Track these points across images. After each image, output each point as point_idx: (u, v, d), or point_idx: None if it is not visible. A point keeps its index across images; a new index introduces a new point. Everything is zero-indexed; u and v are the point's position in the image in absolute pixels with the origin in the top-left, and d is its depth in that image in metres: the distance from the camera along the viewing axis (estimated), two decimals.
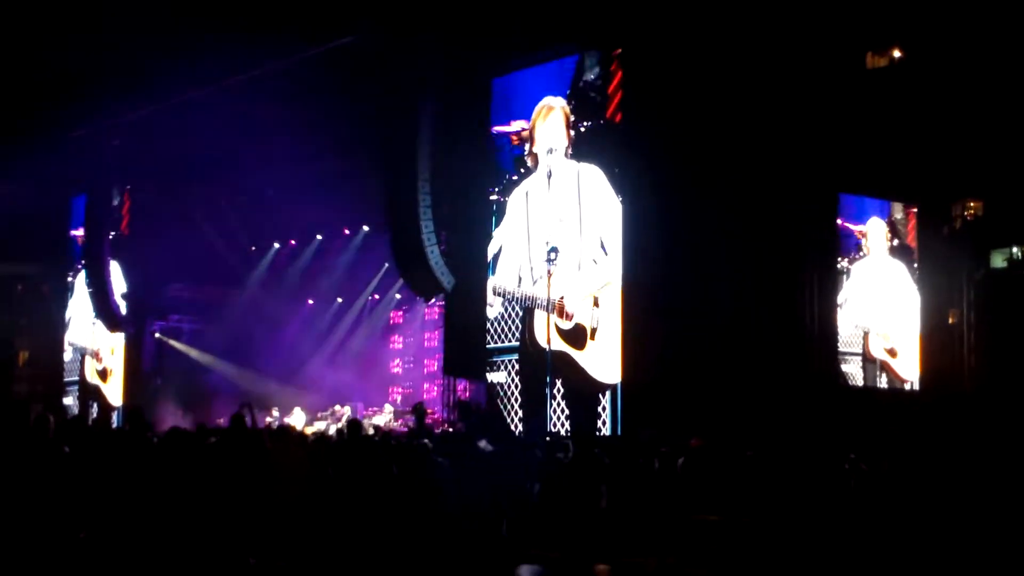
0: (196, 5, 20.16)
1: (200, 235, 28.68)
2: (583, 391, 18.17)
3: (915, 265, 21.67)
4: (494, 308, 19.80)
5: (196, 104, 23.49)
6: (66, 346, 30.08)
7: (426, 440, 12.73)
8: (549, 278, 17.87)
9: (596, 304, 18.14)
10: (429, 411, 23.07)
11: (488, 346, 19.79)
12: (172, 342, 29.36)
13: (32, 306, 31.56)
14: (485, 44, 19.61)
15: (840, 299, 20.05)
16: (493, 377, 19.70)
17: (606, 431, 17.68)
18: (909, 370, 21.18)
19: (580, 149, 18.70)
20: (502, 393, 19.45)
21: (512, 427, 18.86)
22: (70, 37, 21.72)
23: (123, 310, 27.86)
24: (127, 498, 9.68)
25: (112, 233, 27.88)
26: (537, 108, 19.39)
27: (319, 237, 28.95)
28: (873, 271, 21.03)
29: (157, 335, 29.21)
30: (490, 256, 20.03)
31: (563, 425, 18.17)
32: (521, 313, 19.30)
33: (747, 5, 17.69)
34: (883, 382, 20.80)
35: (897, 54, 20.24)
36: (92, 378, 28.99)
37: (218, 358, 28.68)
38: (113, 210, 28.09)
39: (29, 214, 29.08)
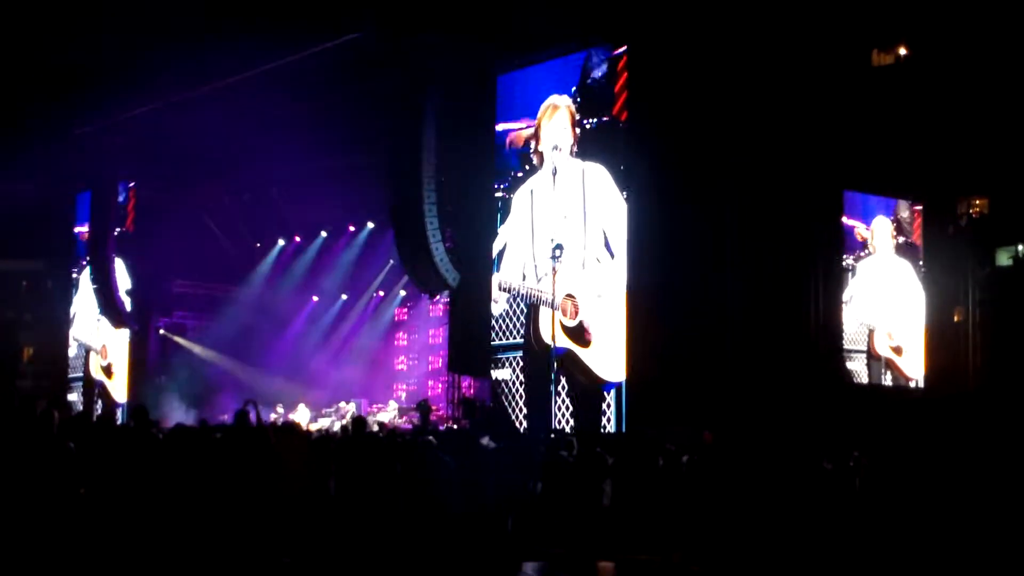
0: (202, 2, 20.17)
1: (205, 232, 28.72)
2: (587, 388, 18.17)
3: (920, 263, 21.65)
4: (499, 304, 19.79)
5: (201, 101, 23.51)
6: (71, 342, 30.13)
7: (431, 437, 12.73)
8: (554, 275, 17.86)
9: (601, 301, 18.12)
10: (434, 408, 23.10)
11: (493, 343, 19.78)
12: (177, 338, 29.38)
13: (36, 303, 31.60)
14: (491, 42, 19.59)
15: (845, 296, 20.04)
16: (497, 374, 19.69)
17: (611, 428, 17.68)
18: (914, 368, 21.16)
19: (585, 147, 18.68)
20: (506, 390, 19.44)
21: (517, 424, 18.87)
22: (76, 34, 21.74)
23: (128, 307, 27.89)
24: (132, 494, 9.69)
25: (117, 230, 27.92)
26: (543, 106, 19.37)
27: (324, 234, 28.96)
28: (878, 269, 21.01)
29: (162, 331, 29.23)
30: (495, 253, 20.02)
31: (567, 422, 18.17)
32: (526, 310, 19.29)
33: (753, 3, 17.66)
34: (888, 379, 20.78)
35: (903, 52, 20.21)
36: (96, 374, 29.03)
37: (222, 354, 28.70)
38: (118, 207, 28.13)
39: (34, 210, 29.13)
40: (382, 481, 11.18)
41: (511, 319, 19.56)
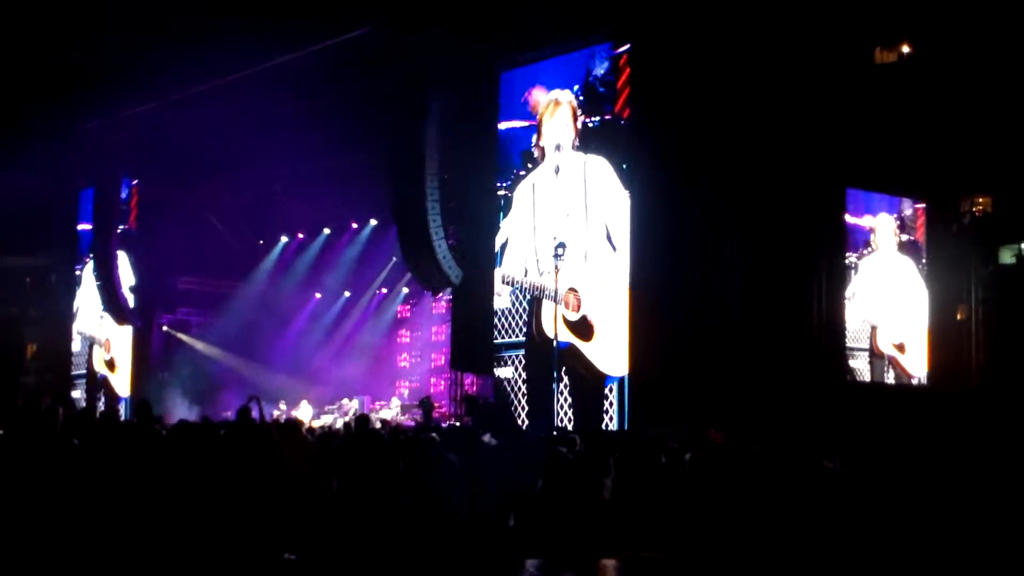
0: (204, 0, 20.19)
1: (208, 228, 28.78)
2: (590, 383, 18.17)
3: (923, 261, 21.63)
4: (502, 299, 19.80)
5: (204, 98, 23.55)
6: (74, 335, 30.17)
7: (434, 434, 12.74)
8: (557, 273, 17.86)
9: (604, 292, 18.13)
10: (436, 405, 23.12)
11: (495, 341, 19.79)
12: (180, 335, 29.43)
13: (40, 299, 31.64)
14: (493, 39, 19.59)
15: (848, 294, 20.02)
16: (500, 372, 19.70)
17: (612, 424, 17.69)
18: (917, 365, 21.15)
19: (588, 143, 18.69)
20: (509, 388, 19.46)
21: (519, 421, 18.87)
22: (79, 30, 21.75)
23: (131, 303, 27.93)
24: (135, 491, 9.71)
25: (121, 226, 27.95)
26: (545, 102, 19.38)
27: (327, 231, 29.00)
28: (881, 266, 21.00)
29: (165, 328, 29.28)
30: (497, 248, 20.04)
31: (570, 420, 18.18)
32: (528, 307, 19.30)
33: (755, 1, 17.64)
34: (891, 377, 20.76)
35: (906, 49, 20.18)
36: (100, 368, 29.05)
37: (225, 351, 28.74)
38: (121, 203, 28.16)
39: (37, 207, 29.18)
40: (385, 478, 11.18)
41: (514, 317, 19.57)
